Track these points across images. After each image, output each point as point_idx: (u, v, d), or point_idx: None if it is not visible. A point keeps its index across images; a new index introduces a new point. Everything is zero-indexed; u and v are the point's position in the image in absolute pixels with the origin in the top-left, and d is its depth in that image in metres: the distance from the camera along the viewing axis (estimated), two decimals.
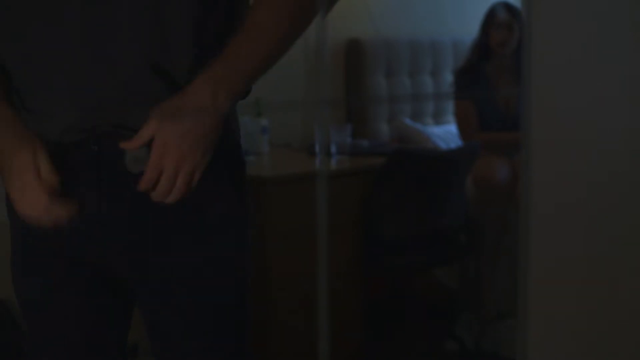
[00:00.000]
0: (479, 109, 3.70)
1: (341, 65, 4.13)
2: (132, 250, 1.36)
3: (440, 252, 3.48)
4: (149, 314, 1.44)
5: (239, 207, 1.40)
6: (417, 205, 3.30)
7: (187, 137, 1.24)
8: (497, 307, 3.51)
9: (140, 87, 1.29)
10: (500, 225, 3.49)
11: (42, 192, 1.27)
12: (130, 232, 1.35)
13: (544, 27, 0.81)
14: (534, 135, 0.81)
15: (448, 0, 4.60)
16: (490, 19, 3.71)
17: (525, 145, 0.81)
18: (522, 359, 0.85)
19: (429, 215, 3.33)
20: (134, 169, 1.30)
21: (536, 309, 0.83)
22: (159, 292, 1.39)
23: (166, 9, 1.27)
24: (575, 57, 0.82)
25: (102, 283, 1.43)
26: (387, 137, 4.13)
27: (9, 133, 1.31)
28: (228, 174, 1.39)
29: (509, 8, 3.70)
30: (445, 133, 4.20)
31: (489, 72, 3.73)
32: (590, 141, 0.83)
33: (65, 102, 1.31)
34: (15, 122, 1.32)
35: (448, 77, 4.45)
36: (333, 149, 3.44)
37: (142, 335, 1.53)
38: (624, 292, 0.85)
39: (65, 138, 1.32)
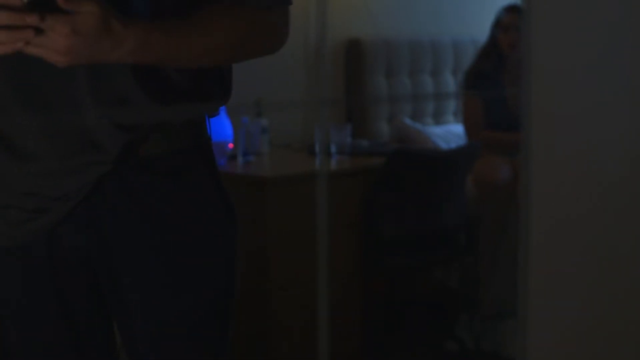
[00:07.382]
0: (488, 109, 3.72)
1: (341, 65, 4.13)
2: (120, 246, 1.37)
3: (440, 252, 3.49)
4: (129, 317, 1.42)
5: (221, 200, 1.44)
6: (417, 205, 3.30)
7: (87, 36, 1.16)
8: (497, 307, 3.51)
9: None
10: (500, 225, 3.49)
11: None
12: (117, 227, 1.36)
13: (544, 27, 0.81)
14: (534, 135, 0.81)
15: (448, 0, 4.60)
16: (499, 21, 3.74)
17: (525, 146, 0.81)
18: (522, 359, 0.85)
19: (429, 215, 3.33)
20: None
21: (536, 309, 0.83)
22: (142, 287, 1.39)
23: None
24: (576, 58, 0.82)
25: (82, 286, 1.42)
26: (387, 137, 4.13)
27: None
28: (209, 174, 1.43)
29: (518, 10, 3.72)
30: (445, 133, 4.20)
31: (499, 74, 3.74)
32: (590, 142, 0.83)
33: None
34: None
35: (448, 77, 4.45)
36: (333, 149, 3.44)
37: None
38: (625, 292, 0.85)
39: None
